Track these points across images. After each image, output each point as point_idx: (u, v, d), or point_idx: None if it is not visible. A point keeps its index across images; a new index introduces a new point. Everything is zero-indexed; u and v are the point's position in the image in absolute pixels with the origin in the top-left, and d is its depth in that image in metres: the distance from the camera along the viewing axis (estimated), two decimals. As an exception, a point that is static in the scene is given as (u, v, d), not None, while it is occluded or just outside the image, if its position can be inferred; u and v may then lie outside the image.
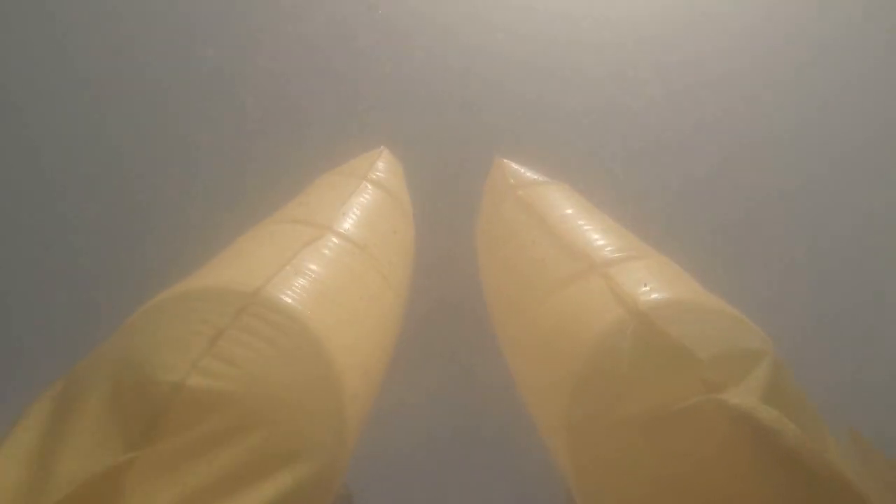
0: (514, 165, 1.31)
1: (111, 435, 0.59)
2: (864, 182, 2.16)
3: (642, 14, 2.21)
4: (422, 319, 1.71)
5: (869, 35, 2.26)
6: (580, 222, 1.07)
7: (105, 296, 1.65)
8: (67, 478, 0.55)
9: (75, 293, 1.75)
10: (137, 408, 0.61)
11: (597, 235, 1.02)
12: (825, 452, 0.61)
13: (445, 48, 2.10)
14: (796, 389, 0.77)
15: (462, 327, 1.79)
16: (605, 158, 2.04)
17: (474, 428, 1.77)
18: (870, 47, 2.25)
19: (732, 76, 2.17)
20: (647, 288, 0.85)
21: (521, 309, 1.04)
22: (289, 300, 0.77)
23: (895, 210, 2.14)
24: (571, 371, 0.84)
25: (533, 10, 2.18)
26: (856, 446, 0.81)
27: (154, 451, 0.59)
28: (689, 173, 2.07)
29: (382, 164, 1.28)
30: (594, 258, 0.95)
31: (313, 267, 0.86)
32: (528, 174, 1.28)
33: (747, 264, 2.01)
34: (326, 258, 0.90)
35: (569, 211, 1.11)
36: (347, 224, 1.02)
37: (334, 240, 0.96)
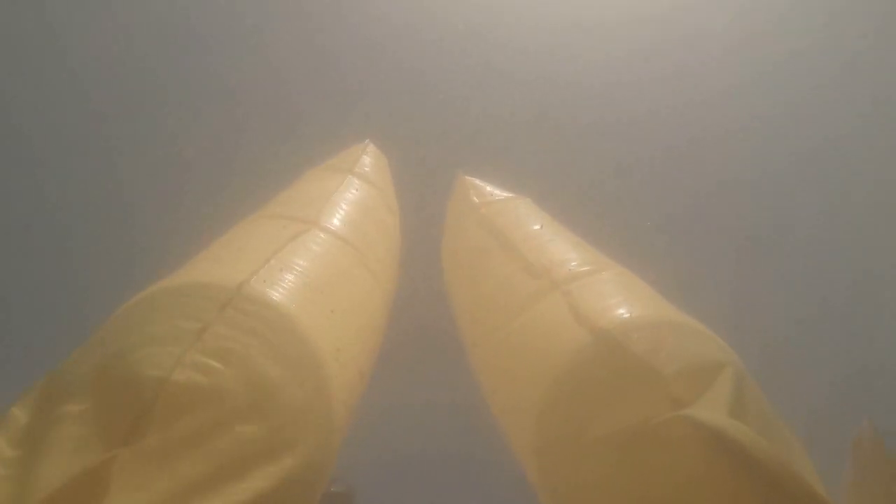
0: (478, 182, 1.30)
1: (97, 430, 0.59)
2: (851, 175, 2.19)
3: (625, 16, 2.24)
4: (413, 317, 1.72)
5: (839, 37, 2.31)
6: (543, 239, 1.07)
7: (92, 290, 1.63)
8: (54, 474, 0.55)
9: (62, 288, 1.74)
10: (123, 403, 0.61)
11: (558, 251, 1.02)
12: (790, 461, 0.62)
13: (439, 44, 2.10)
14: (759, 397, 0.78)
15: (454, 325, 1.80)
16: (574, 154, 2.06)
17: (475, 430, 1.77)
18: (839, 49, 2.30)
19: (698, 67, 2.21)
20: (608, 304, 0.86)
21: (489, 329, 1.04)
22: (274, 294, 0.77)
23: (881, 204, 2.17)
24: (538, 394, 0.84)
25: (529, 14, 2.19)
26: (864, 443, 0.82)
27: (140, 446, 0.59)
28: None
29: (368, 159, 1.28)
30: (555, 276, 0.96)
31: (299, 261, 0.86)
32: (492, 190, 1.27)
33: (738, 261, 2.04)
34: (312, 252, 0.90)
35: (532, 227, 1.12)
36: (333, 219, 1.02)
37: (320, 234, 0.95)
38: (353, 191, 1.14)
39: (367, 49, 2.07)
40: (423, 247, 1.70)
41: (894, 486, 0.77)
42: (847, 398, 1.90)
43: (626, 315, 0.83)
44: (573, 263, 0.98)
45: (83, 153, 1.85)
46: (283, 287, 0.78)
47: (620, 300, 0.87)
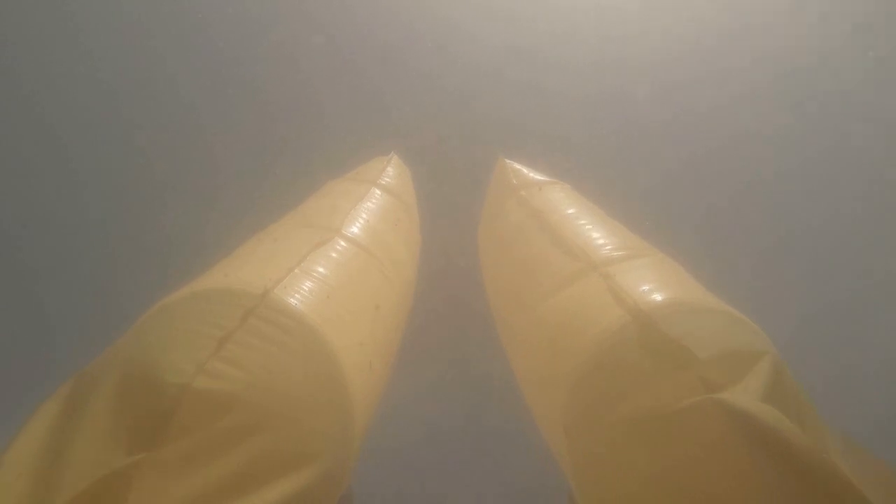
0: (517, 165, 1.32)
1: (120, 436, 0.60)
2: (852, 178, 2.18)
3: (639, 13, 2.25)
4: (425, 317, 1.72)
5: (854, 39, 2.30)
6: (581, 222, 1.07)
7: (117, 296, 1.66)
8: (76, 478, 0.56)
9: (86, 294, 1.77)
10: (146, 409, 0.62)
11: (597, 234, 1.02)
12: (824, 451, 0.61)
13: (464, 52, 2.12)
14: (795, 388, 0.77)
15: (464, 325, 1.80)
16: (600, 148, 2.06)
17: (475, 423, 1.77)
18: (853, 51, 2.29)
19: (722, 72, 2.20)
20: (647, 288, 0.85)
21: (524, 307, 1.04)
22: (296, 303, 0.77)
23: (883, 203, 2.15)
24: (571, 369, 0.84)
25: (553, 21, 2.20)
26: (848, 448, 0.80)
27: (162, 452, 0.59)
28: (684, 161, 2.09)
29: (392, 170, 1.29)
30: (594, 258, 0.95)
31: (321, 270, 0.86)
32: (531, 174, 1.29)
33: (735, 252, 2.03)
34: (334, 261, 0.90)
35: (570, 211, 1.12)
36: (355, 228, 1.02)
37: (342, 243, 0.96)
38: (376, 201, 1.15)
39: (392, 55, 2.09)
40: (446, 248, 1.71)
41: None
42: (847, 400, 1.88)
43: (666, 298, 0.83)
44: (612, 247, 0.98)
45: (113, 157, 1.89)
46: (305, 296, 0.79)
47: (660, 284, 0.86)
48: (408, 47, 2.10)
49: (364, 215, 1.07)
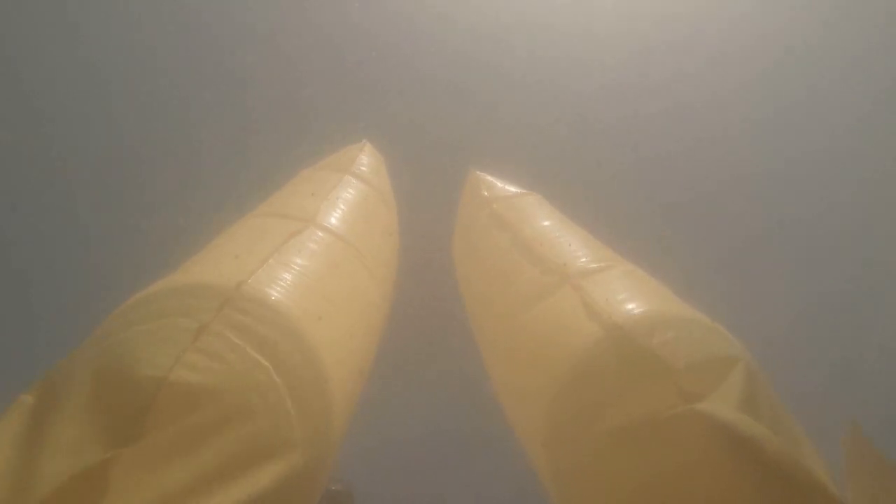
0: (489, 178, 1.32)
1: (96, 430, 0.59)
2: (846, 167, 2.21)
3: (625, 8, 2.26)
4: (413, 315, 1.72)
5: (839, 38, 2.33)
6: (554, 234, 1.08)
7: (102, 285, 1.63)
8: (52, 474, 0.55)
9: (62, 288, 1.74)
10: (121, 403, 0.61)
11: (570, 247, 1.03)
12: (801, 457, 0.62)
13: (451, 45, 2.11)
14: (770, 393, 0.78)
15: (454, 323, 1.80)
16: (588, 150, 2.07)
17: (474, 425, 1.78)
18: (840, 49, 2.32)
19: (706, 68, 2.23)
20: (620, 299, 0.86)
21: (500, 321, 1.05)
22: (272, 294, 0.76)
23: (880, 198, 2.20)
24: (549, 383, 0.85)
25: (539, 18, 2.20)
26: (853, 443, 0.82)
27: (139, 445, 0.59)
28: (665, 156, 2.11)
29: (365, 158, 1.28)
30: (567, 270, 0.96)
31: (297, 260, 0.85)
32: (502, 186, 1.29)
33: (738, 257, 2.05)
34: (310, 251, 0.90)
35: (542, 223, 1.13)
36: (330, 217, 1.01)
37: (318, 233, 0.95)
38: (351, 190, 1.14)
39: (379, 49, 2.07)
40: (430, 244, 1.71)
41: (888, 485, 0.76)
42: (843, 391, 1.91)
43: (638, 310, 0.84)
44: (584, 259, 0.98)
45: (94, 147, 1.85)
46: (281, 286, 0.78)
47: (632, 296, 0.87)
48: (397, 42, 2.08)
49: (340, 205, 1.06)
